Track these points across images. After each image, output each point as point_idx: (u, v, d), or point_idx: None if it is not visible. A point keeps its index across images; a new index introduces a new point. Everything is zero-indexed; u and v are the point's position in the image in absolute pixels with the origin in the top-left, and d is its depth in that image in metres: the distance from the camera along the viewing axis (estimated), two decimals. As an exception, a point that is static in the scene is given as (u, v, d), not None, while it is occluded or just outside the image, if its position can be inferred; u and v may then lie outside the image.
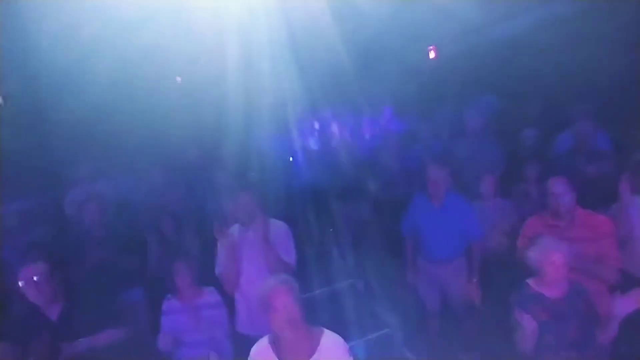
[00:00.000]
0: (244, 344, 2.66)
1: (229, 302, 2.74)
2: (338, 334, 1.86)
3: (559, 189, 2.51)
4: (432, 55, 6.97)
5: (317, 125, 8.02)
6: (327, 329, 1.86)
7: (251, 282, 2.54)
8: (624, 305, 2.00)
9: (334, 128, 6.41)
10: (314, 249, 4.58)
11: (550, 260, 2.10)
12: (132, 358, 2.58)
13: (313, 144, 6.57)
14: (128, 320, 2.56)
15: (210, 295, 2.64)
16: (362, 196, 4.59)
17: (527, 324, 2.04)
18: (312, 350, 1.77)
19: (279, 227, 2.65)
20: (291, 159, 6.76)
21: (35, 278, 2.13)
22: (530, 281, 2.26)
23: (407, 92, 7.90)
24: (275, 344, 1.81)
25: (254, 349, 1.86)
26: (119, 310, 2.51)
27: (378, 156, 5.12)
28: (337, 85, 10.48)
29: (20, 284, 2.15)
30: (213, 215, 3.78)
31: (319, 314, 3.34)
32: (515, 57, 5.40)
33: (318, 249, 4.89)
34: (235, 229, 2.61)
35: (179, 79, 16.18)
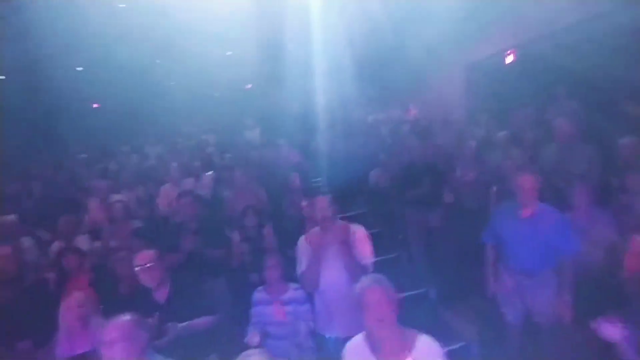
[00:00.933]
0: (320, 343, 2.75)
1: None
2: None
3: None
4: (510, 58, 6.62)
5: (387, 129, 7.99)
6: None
7: (331, 284, 2.61)
8: None
9: (406, 132, 6.34)
10: (384, 254, 4.56)
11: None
12: (220, 345, 2.78)
13: (384, 147, 6.56)
14: (216, 309, 2.75)
15: (296, 291, 2.76)
16: (436, 202, 4.49)
17: None
18: (407, 351, 1.77)
19: (357, 231, 2.70)
20: (360, 162, 6.79)
21: (148, 264, 2.38)
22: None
23: (483, 96, 7.60)
24: (370, 341, 1.84)
25: (349, 344, 1.91)
26: (210, 298, 2.69)
27: (453, 162, 4.98)
28: (408, 88, 10.39)
29: (136, 268, 2.41)
30: (292, 216, 3.95)
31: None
32: (605, 59, 4.95)
33: (389, 254, 4.87)
34: (316, 231, 2.70)
35: (249, 86, 17.01)
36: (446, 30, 7.56)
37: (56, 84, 12.93)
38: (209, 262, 3.33)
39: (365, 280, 1.88)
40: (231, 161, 6.66)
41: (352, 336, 1.95)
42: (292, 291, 2.77)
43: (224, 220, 3.79)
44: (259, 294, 2.82)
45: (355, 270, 2.52)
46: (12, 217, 3.85)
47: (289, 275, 2.88)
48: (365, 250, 2.63)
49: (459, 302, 3.97)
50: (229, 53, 14.39)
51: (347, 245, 2.58)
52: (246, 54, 14.05)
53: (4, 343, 2.79)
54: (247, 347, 2.81)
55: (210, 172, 5.62)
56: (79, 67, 12.97)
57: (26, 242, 3.62)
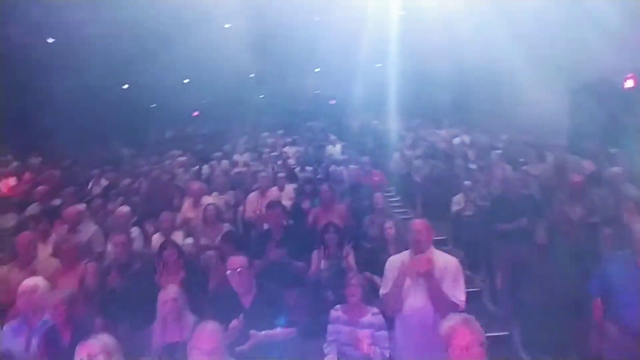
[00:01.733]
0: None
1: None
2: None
3: None
4: (629, 84, 5.90)
5: (474, 153, 7.58)
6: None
7: (413, 312, 2.50)
8: None
9: (496, 159, 5.95)
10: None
11: None
12: (294, 357, 2.82)
13: (469, 173, 6.23)
14: (295, 321, 2.80)
15: (374, 316, 2.70)
16: (530, 238, 4.09)
17: None
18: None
19: (449, 262, 2.55)
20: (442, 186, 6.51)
21: (239, 269, 2.53)
22: None
23: (591, 122, 6.83)
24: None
25: None
26: (290, 309, 2.75)
27: (552, 196, 4.54)
28: (498, 112, 9.77)
29: (227, 272, 2.57)
30: (373, 237, 3.91)
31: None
32: None
33: (469, 287, 4.55)
34: (406, 254, 2.61)
35: (333, 101, 17.39)
36: (548, 53, 7.04)
37: (165, 93, 14.64)
38: (289, 273, 3.42)
39: (455, 319, 1.79)
40: (312, 174, 6.86)
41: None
42: (371, 315, 2.71)
43: (307, 233, 3.89)
44: (336, 313, 2.81)
45: (442, 304, 2.39)
46: (126, 209, 4.39)
47: (368, 297, 2.85)
48: (456, 287, 2.48)
49: (548, 354, 3.54)
50: (317, 70, 14.97)
51: (432, 275, 2.45)
52: (333, 70, 14.53)
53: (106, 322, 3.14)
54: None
55: (293, 184, 5.83)
56: (185, 79, 14.51)
57: (134, 232, 4.08)
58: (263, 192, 4.95)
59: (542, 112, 7.16)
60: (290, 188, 5.68)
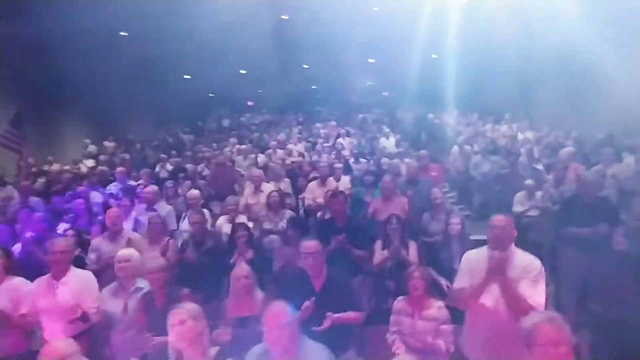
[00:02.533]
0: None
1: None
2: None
3: None
4: None
5: (539, 150, 7.19)
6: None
7: (486, 309, 2.41)
8: None
9: (566, 157, 5.61)
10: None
11: None
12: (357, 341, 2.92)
13: (533, 171, 5.95)
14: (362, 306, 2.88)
15: (439, 310, 2.71)
16: (604, 245, 3.83)
17: None
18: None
19: (530, 263, 2.41)
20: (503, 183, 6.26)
21: (312, 253, 2.65)
22: None
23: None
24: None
25: None
26: (358, 295, 2.83)
27: (630, 198, 4.22)
28: (567, 108, 9.13)
29: (302, 255, 2.70)
30: (433, 232, 3.89)
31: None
32: None
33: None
34: (483, 250, 2.55)
35: (386, 93, 17.11)
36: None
37: (223, 83, 15.23)
38: (350, 261, 3.51)
39: (539, 317, 1.76)
40: (366, 166, 6.88)
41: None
42: (436, 309, 2.73)
43: (368, 224, 3.95)
44: (399, 304, 2.85)
45: (517, 305, 2.28)
46: (196, 192, 4.73)
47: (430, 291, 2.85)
48: (535, 290, 2.34)
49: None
50: (371, 60, 14.83)
51: (514, 275, 2.34)
52: (388, 61, 14.34)
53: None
54: (380, 348, 2.89)
55: (348, 175, 5.90)
56: (242, 70, 15.02)
57: (205, 213, 4.38)
58: (323, 182, 5.07)
59: (627, 107, 6.56)
60: (346, 179, 5.75)
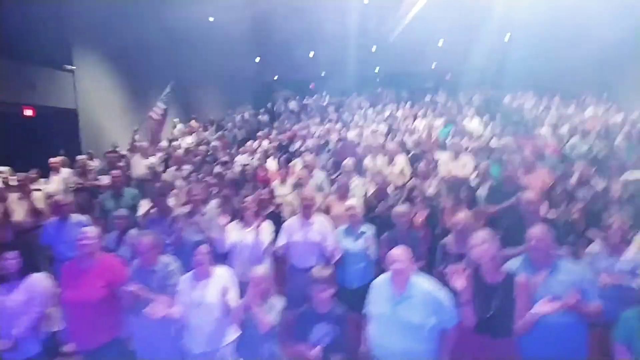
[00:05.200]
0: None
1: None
2: None
3: None
4: None
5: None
6: None
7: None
8: None
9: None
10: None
11: None
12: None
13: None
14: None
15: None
16: None
17: None
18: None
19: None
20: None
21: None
22: None
23: None
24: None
25: None
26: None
27: None
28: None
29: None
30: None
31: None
32: None
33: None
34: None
35: (448, 77, 17.05)
36: None
37: (291, 65, 15.80)
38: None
39: None
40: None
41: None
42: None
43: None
44: None
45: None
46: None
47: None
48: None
49: None
50: (440, 44, 14.94)
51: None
52: (457, 42, 14.41)
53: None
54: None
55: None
56: (311, 52, 15.55)
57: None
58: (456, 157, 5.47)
59: None
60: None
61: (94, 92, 9.38)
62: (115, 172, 4.99)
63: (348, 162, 5.13)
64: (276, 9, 12.91)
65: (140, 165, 6.94)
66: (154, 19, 10.55)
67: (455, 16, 13.33)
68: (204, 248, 2.77)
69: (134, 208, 4.59)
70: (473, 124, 9.43)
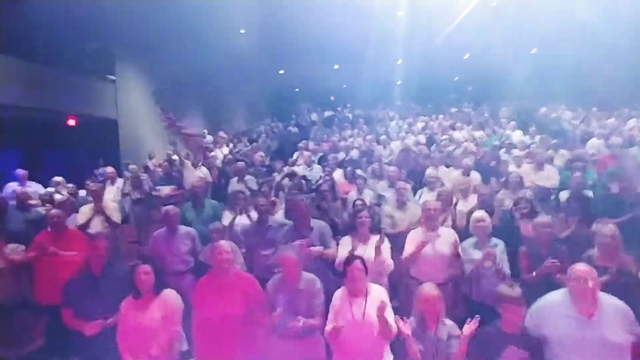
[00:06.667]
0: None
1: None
2: None
3: None
4: None
5: None
6: None
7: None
8: None
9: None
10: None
11: None
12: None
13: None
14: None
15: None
16: None
17: None
18: None
19: None
20: None
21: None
22: None
23: None
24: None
25: None
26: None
27: None
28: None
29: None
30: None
31: None
32: None
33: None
34: None
35: (470, 88, 17.09)
36: None
37: (313, 78, 15.81)
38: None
39: None
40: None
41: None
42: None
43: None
44: None
45: None
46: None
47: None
48: None
49: None
50: (466, 56, 14.99)
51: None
52: (483, 55, 14.47)
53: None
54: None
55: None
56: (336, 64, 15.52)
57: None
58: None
59: None
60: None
61: (133, 103, 9.27)
62: (197, 183, 4.82)
63: (432, 172, 4.99)
64: (304, 22, 12.94)
65: (193, 176, 6.78)
66: (190, 33, 10.52)
67: (485, 30, 13.41)
68: (359, 264, 2.59)
69: (214, 219, 4.42)
70: (516, 135, 9.38)
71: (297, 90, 17.63)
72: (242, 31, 12.16)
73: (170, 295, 2.70)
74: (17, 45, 6.73)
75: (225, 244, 2.76)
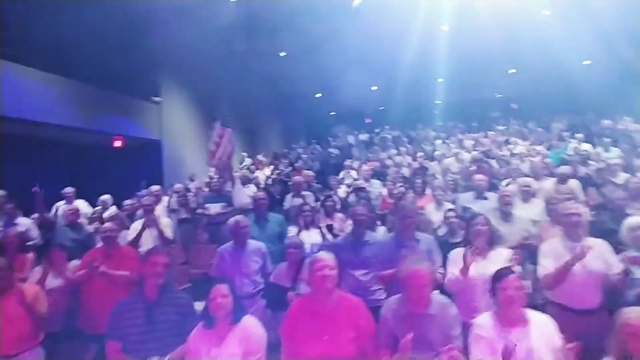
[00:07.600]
0: None
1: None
2: None
3: None
4: None
5: None
6: None
7: None
8: None
9: None
10: None
11: None
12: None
13: None
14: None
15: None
16: None
17: None
18: None
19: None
20: None
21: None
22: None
23: None
24: None
25: None
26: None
27: None
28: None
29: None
30: None
31: None
32: None
33: None
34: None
35: (514, 105, 16.42)
36: None
37: (347, 100, 15.55)
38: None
39: None
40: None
41: None
42: None
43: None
44: None
45: None
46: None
47: None
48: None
49: None
50: (511, 71, 14.37)
51: None
52: (528, 70, 13.83)
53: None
54: None
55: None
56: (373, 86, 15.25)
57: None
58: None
59: None
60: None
61: (177, 124, 9.12)
62: (260, 194, 4.32)
63: (526, 180, 4.32)
64: (343, 45, 12.80)
65: (242, 194, 6.37)
66: (233, 58, 10.54)
67: (528, 44, 12.86)
68: (515, 279, 1.93)
69: (280, 236, 3.88)
70: (586, 147, 8.56)
71: (332, 113, 17.38)
72: (282, 54, 12.12)
73: (250, 323, 2.11)
74: (68, 65, 6.70)
75: (327, 256, 2.13)
